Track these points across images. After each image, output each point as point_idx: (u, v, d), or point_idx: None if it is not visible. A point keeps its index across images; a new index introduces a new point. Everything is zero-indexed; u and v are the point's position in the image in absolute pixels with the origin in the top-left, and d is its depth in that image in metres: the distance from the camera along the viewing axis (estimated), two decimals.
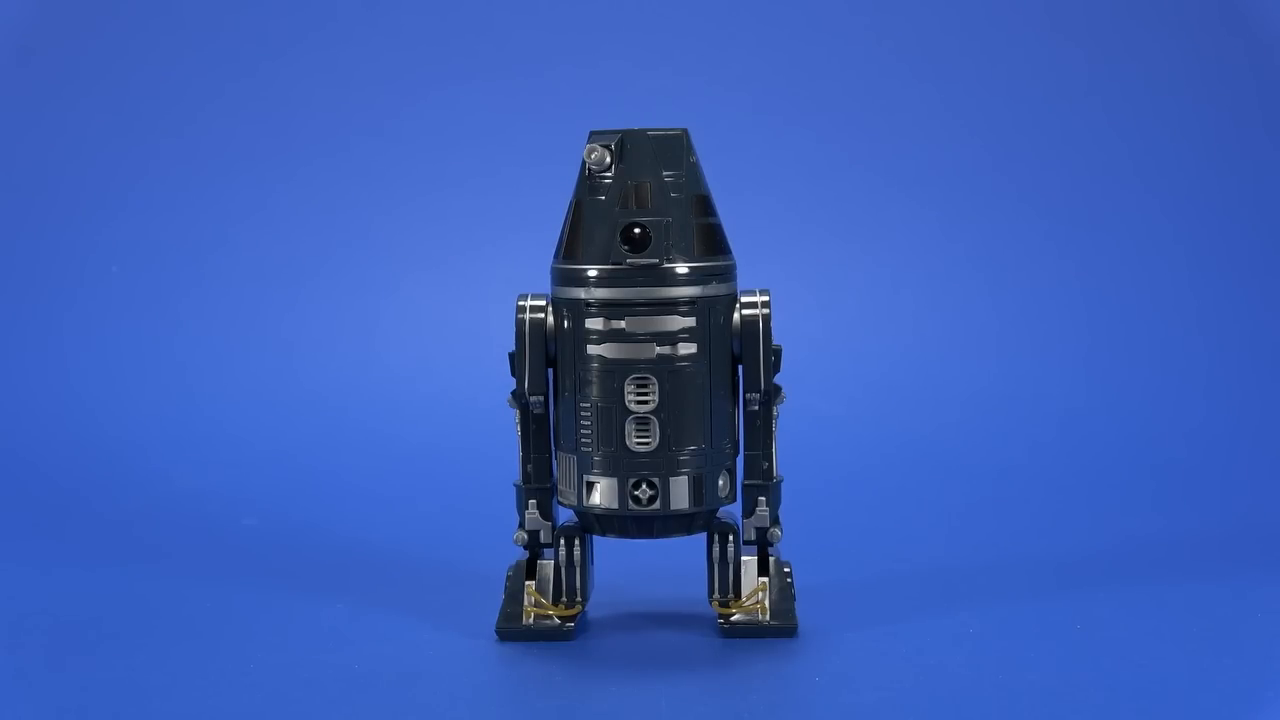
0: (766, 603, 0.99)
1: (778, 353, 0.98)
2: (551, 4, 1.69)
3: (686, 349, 0.95)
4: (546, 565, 1.00)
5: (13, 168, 1.67)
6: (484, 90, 1.67)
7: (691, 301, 0.95)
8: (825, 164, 1.67)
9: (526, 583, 1.00)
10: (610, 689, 0.90)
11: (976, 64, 1.69)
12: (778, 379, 0.98)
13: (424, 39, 1.69)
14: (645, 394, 0.95)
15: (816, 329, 1.56)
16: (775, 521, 1.00)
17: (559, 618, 0.99)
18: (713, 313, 0.96)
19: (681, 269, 0.95)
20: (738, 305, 0.97)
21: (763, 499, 0.99)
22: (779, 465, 1.00)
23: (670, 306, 0.95)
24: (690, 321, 0.95)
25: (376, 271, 1.66)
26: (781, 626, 0.98)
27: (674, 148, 0.96)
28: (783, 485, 1.01)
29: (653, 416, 0.95)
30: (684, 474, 0.96)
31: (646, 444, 0.95)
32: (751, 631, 0.98)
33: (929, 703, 0.87)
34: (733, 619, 0.98)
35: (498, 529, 1.06)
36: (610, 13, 1.69)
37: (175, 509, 1.35)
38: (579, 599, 0.99)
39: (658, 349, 0.95)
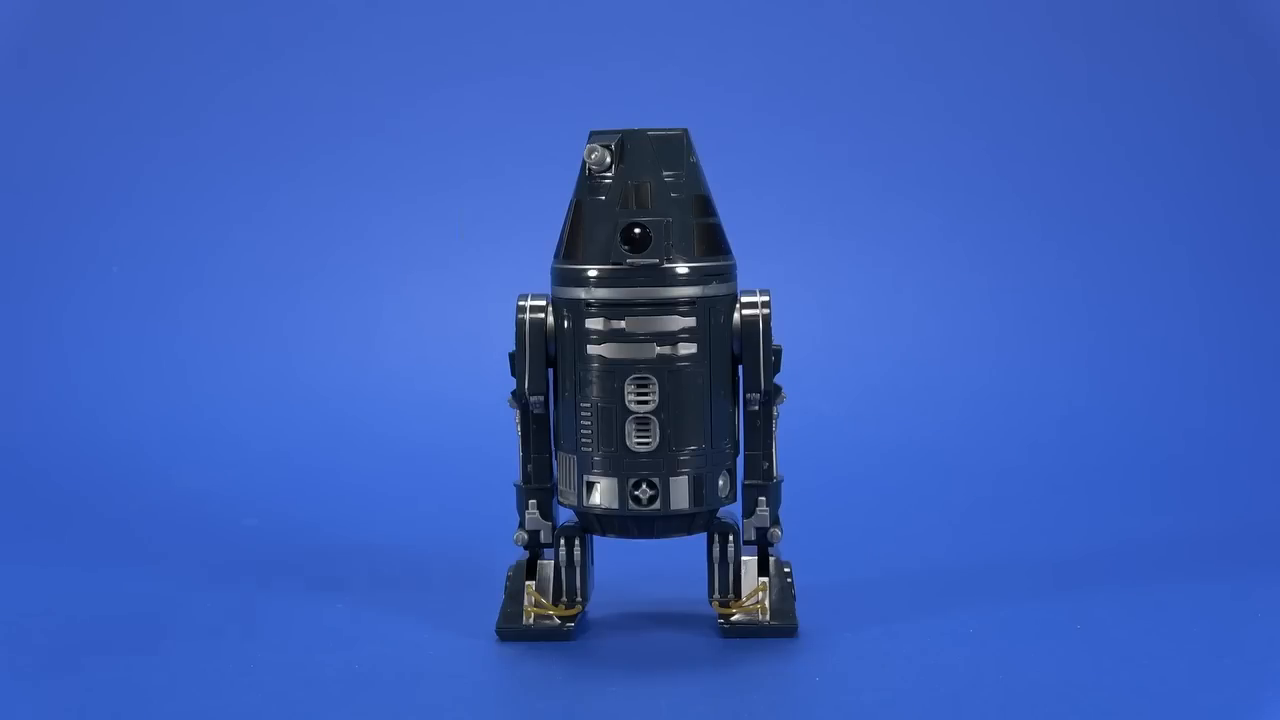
0: (766, 603, 0.99)
1: (778, 353, 0.97)
2: (551, 4, 1.69)
3: (687, 349, 0.95)
4: (547, 565, 1.00)
5: (13, 168, 1.67)
6: (484, 90, 1.67)
7: (691, 301, 0.95)
8: (825, 164, 1.67)
9: (527, 583, 1.00)
10: (610, 689, 0.90)
11: (976, 64, 1.69)
12: (778, 379, 0.98)
13: (424, 39, 1.69)
14: (645, 394, 0.94)
15: (816, 329, 1.56)
16: (775, 521, 1.00)
17: (559, 618, 0.99)
18: (713, 313, 0.95)
19: (681, 269, 0.94)
20: (738, 305, 0.97)
21: (763, 499, 0.99)
22: (779, 465, 1.00)
23: (670, 306, 0.94)
24: (690, 321, 0.95)
25: (377, 271, 1.66)
26: (782, 627, 0.98)
27: (674, 148, 0.96)
28: (783, 485, 1.01)
29: (653, 416, 0.95)
30: (684, 474, 0.95)
31: (647, 444, 0.95)
32: (752, 632, 0.98)
33: (929, 703, 0.87)
34: (733, 619, 0.98)
35: (498, 529, 1.06)
36: (611, 13, 1.69)
37: (175, 509, 1.35)
38: (579, 599, 0.99)
39: (658, 349, 0.94)
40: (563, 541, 0.98)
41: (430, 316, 1.63)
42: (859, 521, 1.30)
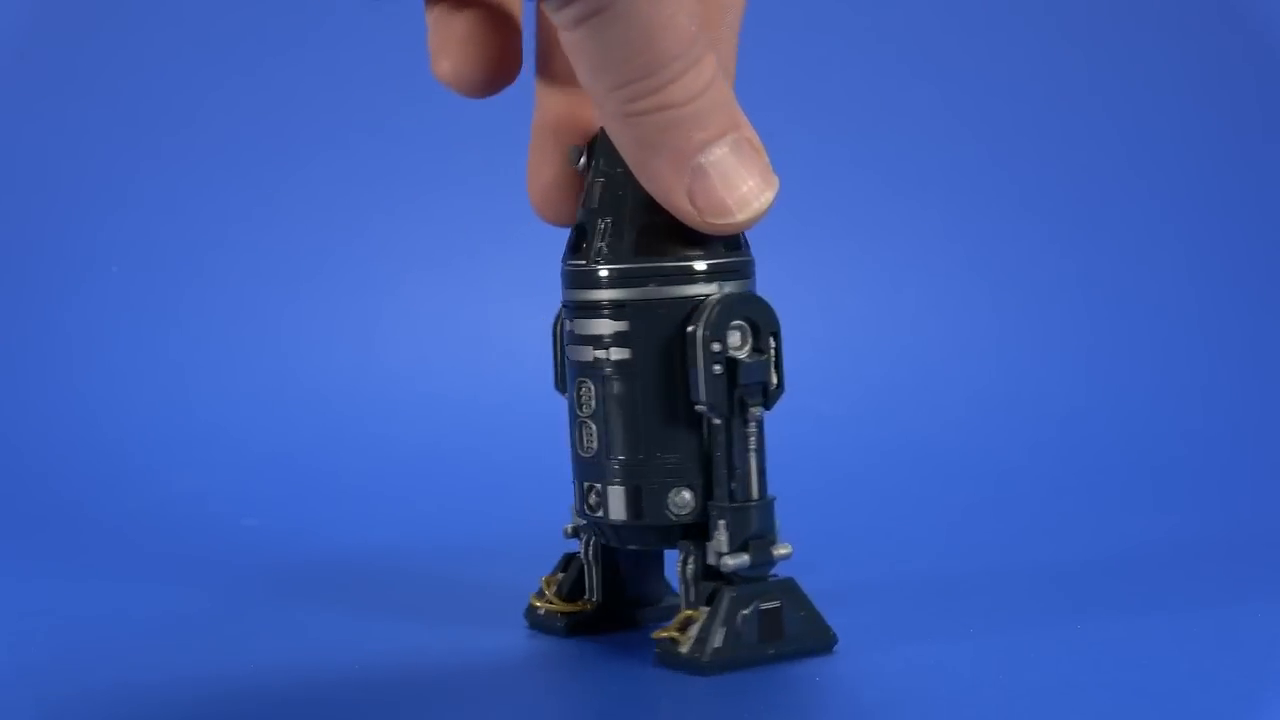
0: (693, 632, 0.89)
1: (734, 363, 0.90)
2: None
3: (619, 354, 0.90)
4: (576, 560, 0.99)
5: (12, 167, 1.67)
6: None
7: (619, 304, 0.90)
8: (825, 164, 1.67)
9: (545, 576, 0.99)
10: (610, 689, 0.90)
11: (976, 64, 1.68)
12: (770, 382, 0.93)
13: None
14: (585, 398, 0.92)
15: (817, 329, 1.56)
16: (739, 548, 0.90)
17: (561, 613, 0.98)
18: (649, 317, 0.90)
19: (604, 271, 0.90)
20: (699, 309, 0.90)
21: (721, 522, 0.90)
22: (769, 485, 0.92)
23: (597, 309, 0.91)
24: (622, 325, 0.90)
25: (376, 271, 1.66)
26: (691, 660, 0.88)
27: None
28: (776, 502, 0.93)
29: (590, 421, 0.92)
30: (618, 483, 0.91)
31: (588, 449, 0.92)
32: (666, 661, 0.90)
33: (929, 703, 0.87)
34: (660, 642, 0.91)
35: (497, 530, 1.06)
36: None
37: (175, 509, 1.35)
38: (590, 596, 0.98)
39: (593, 352, 0.91)
40: (581, 537, 0.98)
41: (430, 316, 1.63)
42: (859, 522, 1.29)
